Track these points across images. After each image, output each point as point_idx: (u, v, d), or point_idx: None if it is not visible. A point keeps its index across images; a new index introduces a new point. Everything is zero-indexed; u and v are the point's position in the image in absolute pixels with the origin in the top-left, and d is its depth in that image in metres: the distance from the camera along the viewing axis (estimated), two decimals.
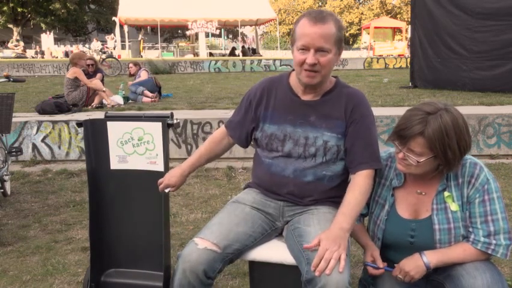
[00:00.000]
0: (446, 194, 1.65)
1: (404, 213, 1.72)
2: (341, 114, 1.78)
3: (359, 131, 1.76)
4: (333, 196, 1.83)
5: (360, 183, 1.72)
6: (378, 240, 1.76)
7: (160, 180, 1.96)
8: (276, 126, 1.83)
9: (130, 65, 9.13)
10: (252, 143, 1.99)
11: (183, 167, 1.97)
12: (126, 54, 22.70)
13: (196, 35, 23.67)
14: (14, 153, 3.97)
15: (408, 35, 18.35)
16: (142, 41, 25.96)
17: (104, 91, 7.23)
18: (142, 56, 21.93)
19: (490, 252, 1.58)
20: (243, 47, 24.53)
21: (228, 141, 2.02)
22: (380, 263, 1.69)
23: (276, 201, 1.86)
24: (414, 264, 1.61)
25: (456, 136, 1.55)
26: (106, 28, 38.10)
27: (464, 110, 5.61)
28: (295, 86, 1.84)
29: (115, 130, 2.14)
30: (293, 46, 1.73)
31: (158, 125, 2.09)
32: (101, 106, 7.17)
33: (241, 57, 20.94)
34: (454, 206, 1.64)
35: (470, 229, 1.63)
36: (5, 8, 31.86)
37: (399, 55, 21.22)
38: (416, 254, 1.63)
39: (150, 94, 8.03)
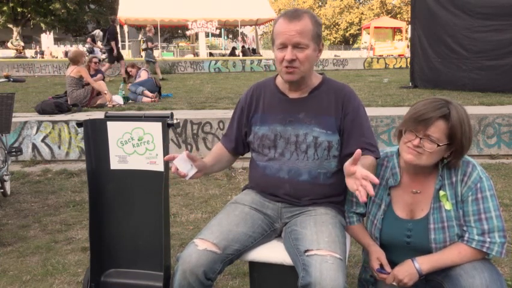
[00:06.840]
0: (441, 193, 1.65)
1: (400, 213, 1.73)
2: (331, 110, 1.79)
3: (354, 124, 1.78)
4: (330, 195, 1.83)
5: (365, 159, 1.66)
6: (376, 239, 1.76)
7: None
8: (267, 127, 1.85)
9: (129, 68, 9.12)
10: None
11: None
12: (126, 54, 22.68)
13: (196, 35, 23.67)
14: (14, 153, 3.97)
15: (408, 35, 18.34)
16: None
17: (105, 93, 7.24)
18: (142, 56, 21.91)
19: (484, 250, 1.58)
20: (243, 47, 24.52)
21: (227, 155, 2.00)
22: (389, 268, 1.69)
23: (274, 202, 1.87)
24: (407, 272, 1.62)
25: (468, 127, 1.59)
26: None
27: None
28: (282, 85, 1.87)
29: (115, 130, 2.14)
30: (273, 46, 1.76)
31: (158, 125, 2.09)
32: (101, 106, 7.17)
33: (241, 57, 20.93)
34: (447, 205, 1.64)
35: (465, 228, 1.63)
36: (5, 8, 31.79)
37: (399, 55, 21.23)
38: (408, 261, 1.64)
39: (150, 94, 8.03)
